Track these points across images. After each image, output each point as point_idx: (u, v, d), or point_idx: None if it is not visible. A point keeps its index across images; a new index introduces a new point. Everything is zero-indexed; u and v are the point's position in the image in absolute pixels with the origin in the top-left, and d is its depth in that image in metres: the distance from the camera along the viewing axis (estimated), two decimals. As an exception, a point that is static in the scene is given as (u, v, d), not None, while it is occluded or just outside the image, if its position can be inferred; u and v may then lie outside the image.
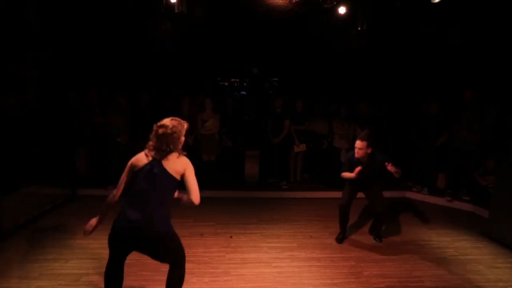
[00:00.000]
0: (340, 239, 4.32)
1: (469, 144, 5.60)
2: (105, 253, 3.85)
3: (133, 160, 2.50)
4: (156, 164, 2.42)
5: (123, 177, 2.53)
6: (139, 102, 6.20)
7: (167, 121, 2.50)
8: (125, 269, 3.50)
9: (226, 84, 11.15)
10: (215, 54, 8.37)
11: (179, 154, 2.51)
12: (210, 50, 8.09)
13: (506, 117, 5.56)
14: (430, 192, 6.12)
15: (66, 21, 6.18)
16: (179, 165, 2.47)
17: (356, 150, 4.01)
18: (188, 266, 3.60)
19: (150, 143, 2.47)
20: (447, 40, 6.52)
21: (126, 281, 3.31)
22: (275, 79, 10.86)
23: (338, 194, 5.94)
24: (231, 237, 4.39)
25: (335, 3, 5.58)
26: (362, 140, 3.98)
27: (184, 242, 4.15)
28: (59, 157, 5.75)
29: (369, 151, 3.99)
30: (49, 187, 5.43)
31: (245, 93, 10.81)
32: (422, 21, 6.37)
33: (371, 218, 5.18)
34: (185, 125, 2.58)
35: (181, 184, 2.50)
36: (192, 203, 2.41)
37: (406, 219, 5.19)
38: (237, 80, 11.27)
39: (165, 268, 3.57)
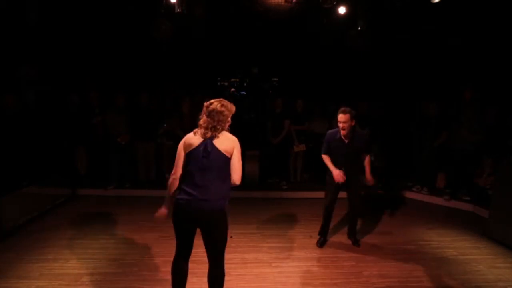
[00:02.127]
0: (322, 243, 4.20)
1: (469, 144, 5.60)
2: (105, 253, 3.89)
3: (185, 141, 2.56)
4: (208, 144, 2.47)
5: (178, 158, 2.59)
6: (139, 102, 6.21)
7: (216, 100, 2.55)
8: (125, 269, 3.54)
9: (226, 84, 11.14)
10: (215, 54, 8.36)
11: (225, 134, 2.56)
12: (210, 50, 8.08)
13: (507, 117, 5.54)
14: (430, 192, 6.12)
15: (66, 21, 6.17)
16: (228, 144, 2.52)
17: (340, 125, 3.80)
18: (188, 266, 3.62)
19: (200, 121, 2.52)
20: (447, 40, 6.52)
21: (126, 281, 3.33)
22: (275, 79, 10.86)
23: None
24: (231, 237, 4.37)
25: (335, 3, 5.58)
26: (344, 113, 3.77)
27: (184, 242, 4.19)
28: (59, 157, 5.76)
29: (353, 123, 3.82)
30: (49, 187, 5.44)
31: (245, 93, 10.81)
32: (422, 21, 6.36)
33: (368, 217, 5.19)
34: (234, 108, 2.61)
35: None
36: (233, 182, 2.53)
37: (406, 219, 5.19)
38: (237, 80, 11.27)
39: (165, 268, 3.58)
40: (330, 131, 4.06)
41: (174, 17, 5.67)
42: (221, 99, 2.59)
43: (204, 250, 3.98)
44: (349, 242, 4.31)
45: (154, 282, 3.33)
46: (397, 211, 5.53)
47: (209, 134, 2.48)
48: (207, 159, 2.46)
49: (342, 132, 3.83)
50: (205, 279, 3.37)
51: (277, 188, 6.28)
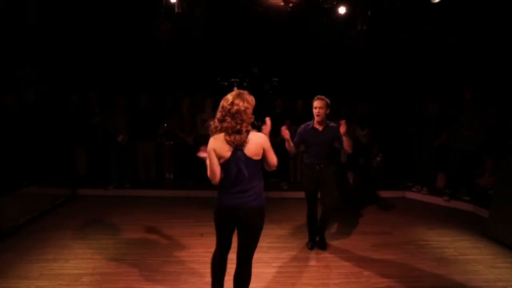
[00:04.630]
0: (312, 245, 4.12)
1: (469, 144, 5.60)
2: (105, 253, 3.89)
3: (215, 148, 2.46)
4: (240, 155, 2.45)
5: (213, 164, 2.47)
6: (139, 102, 6.21)
7: (236, 98, 2.45)
8: (125, 269, 3.54)
9: (226, 84, 11.14)
10: (215, 54, 8.36)
11: (251, 135, 2.47)
12: (210, 50, 8.08)
13: (507, 117, 5.54)
14: (430, 192, 6.12)
15: (66, 21, 6.17)
16: (258, 146, 2.49)
17: (316, 111, 3.78)
18: (188, 266, 3.63)
19: (225, 124, 2.42)
20: (447, 40, 6.52)
21: (126, 281, 3.33)
22: (275, 79, 10.85)
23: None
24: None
25: (335, 3, 5.58)
26: (320, 99, 3.79)
27: (184, 242, 4.21)
28: (59, 157, 5.76)
29: (327, 111, 3.81)
30: (49, 187, 5.44)
31: None
32: (422, 21, 6.36)
33: (368, 217, 5.19)
34: (254, 100, 2.56)
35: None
36: (273, 167, 2.59)
37: (406, 219, 5.19)
38: (237, 80, 11.26)
39: (164, 268, 3.58)
40: (304, 124, 4.02)
41: (174, 17, 5.66)
42: (239, 92, 2.50)
43: (204, 250, 4.00)
44: (350, 242, 4.31)
45: (154, 282, 3.33)
46: (397, 211, 5.53)
47: (237, 140, 2.41)
48: (240, 169, 2.47)
49: (317, 119, 3.83)
50: (206, 279, 3.38)
51: (277, 188, 6.29)
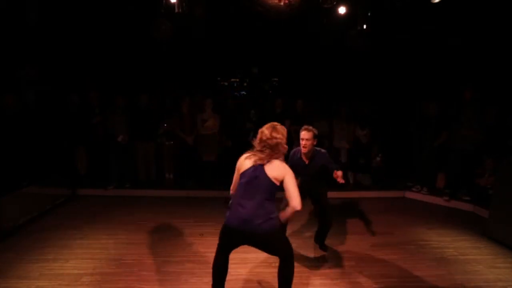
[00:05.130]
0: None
1: (469, 144, 5.60)
2: (105, 253, 3.89)
3: (240, 161, 2.70)
4: (259, 169, 2.58)
5: (235, 179, 2.75)
6: (139, 102, 6.21)
7: (272, 131, 2.63)
8: (125, 269, 3.54)
9: (226, 84, 11.15)
10: (215, 54, 8.36)
11: (281, 160, 2.65)
12: (210, 50, 8.08)
13: (507, 117, 5.54)
14: (430, 192, 6.12)
15: (66, 22, 6.17)
16: (279, 172, 2.59)
17: (303, 143, 3.68)
18: (188, 266, 3.63)
19: (264, 155, 2.59)
20: (447, 40, 6.52)
21: (126, 281, 3.33)
22: (275, 79, 10.86)
23: (338, 194, 5.97)
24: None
25: (335, 3, 5.58)
26: (308, 130, 3.69)
27: (184, 242, 4.20)
28: (59, 157, 5.76)
29: (315, 142, 3.75)
30: (49, 187, 5.44)
31: (245, 93, 10.81)
32: (422, 21, 6.36)
33: (368, 217, 5.19)
34: (285, 130, 2.76)
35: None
36: (293, 208, 2.54)
37: (406, 219, 5.19)
38: (237, 80, 11.27)
39: (164, 268, 3.58)
40: (293, 150, 3.92)
41: (174, 17, 5.66)
42: (273, 125, 2.67)
43: (204, 250, 4.00)
44: (350, 242, 4.32)
45: (154, 282, 3.33)
46: (397, 211, 5.53)
47: (261, 161, 2.59)
48: (254, 183, 2.56)
49: (303, 150, 3.71)
50: (206, 279, 3.38)
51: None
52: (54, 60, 6.24)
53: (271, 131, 2.62)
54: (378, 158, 6.38)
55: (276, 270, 3.58)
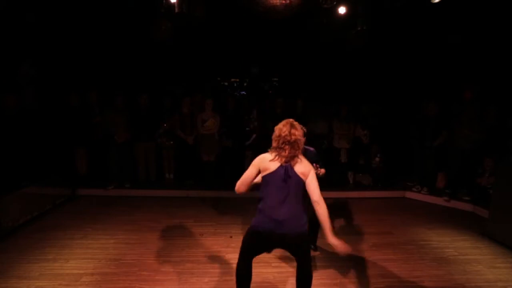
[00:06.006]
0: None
1: (469, 144, 5.60)
2: (105, 253, 3.89)
3: (261, 162, 2.61)
4: (288, 168, 2.55)
5: (249, 175, 2.64)
6: (139, 102, 6.21)
7: (291, 127, 2.60)
8: (125, 269, 3.54)
9: (226, 84, 11.14)
10: (215, 54, 8.36)
11: (301, 158, 2.63)
12: (210, 50, 8.08)
13: (507, 118, 5.54)
14: (430, 192, 6.12)
15: (66, 21, 6.17)
16: (305, 168, 2.59)
17: None
18: (188, 266, 3.63)
19: (284, 152, 2.55)
20: (447, 39, 6.52)
21: (126, 281, 3.33)
22: (275, 79, 10.85)
23: (338, 194, 5.99)
24: (231, 237, 4.40)
25: (335, 3, 5.57)
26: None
27: (184, 242, 4.20)
28: (59, 157, 5.76)
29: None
30: (49, 187, 5.43)
31: (245, 93, 10.80)
32: (422, 21, 6.36)
33: (368, 217, 5.18)
34: (302, 127, 2.81)
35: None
36: (316, 202, 2.54)
37: (406, 219, 5.19)
38: (237, 80, 11.25)
39: (164, 268, 3.58)
40: None
41: (174, 17, 5.66)
42: (290, 122, 2.65)
43: (204, 250, 4.01)
44: (350, 242, 4.25)
45: (154, 282, 3.33)
46: (397, 211, 5.53)
47: (287, 160, 2.55)
48: (287, 183, 2.52)
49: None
50: (206, 279, 3.39)
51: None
52: (54, 60, 6.24)
53: (290, 128, 2.59)
54: (377, 159, 6.39)
55: (276, 270, 3.61)
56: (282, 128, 2.61)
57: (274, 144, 2.61)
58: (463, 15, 6.03)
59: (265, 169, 2.57)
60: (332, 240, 2.53)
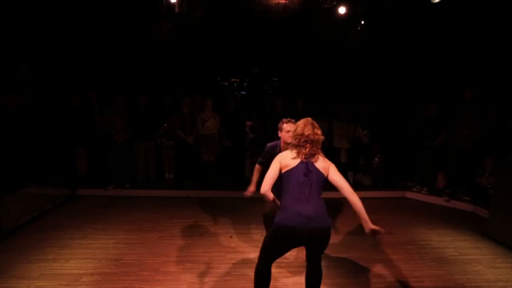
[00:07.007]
0: None
1: (469, 144, 5.60)
2: (105, 253, 3.89)
3: (282, 159, 2.66)
4: (310, 164, 2.60)
5: (273, 173, 2.64)
6: (139, 102, 6.21)
7: (314, 127, 2.67)
8: (125, 269, 3.54)
9: (226, 84, 11.15)
10: (215, 54, 8.36)
11: (321, 155, 2.69)
12: (210, 50, 8.08)
13: (507, 118, 5.54)
14: (430, 192, 6.12)
15: (66, 21, 6.17)
16: (325, 164, 2.65)
17: (289, 134, 3.39)
18: (188, 266, 3.63)
19: (305, 150, 2.61)
20: (447, 39, 6.52)
21: (126, 281, 3.33)
22: (275, 79, 10.85)
23: (338, 194, 5.96)
24: (231, 237, 4.40)
25: (335, 3, 5.57)
26: (292, 123, 3.51)
27: (184, 242, 4.20)
28: (59, 157, 5.76)
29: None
30: (49, 187, 5.43)
31: (245, 93, 10.80)
32: (422, 21, 6.36)
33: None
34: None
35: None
36: (350, 194, 2.58)
37: (406, 219, 5.19)
38: (237, 80, 11.26)
39: (164, 268, 3.58)
40: (269, 144, 3.79)
41: (174, 17, 5.66)
42: (310, 121, 2.71)
43: (204, 250, 4.01)
44: (350, 242, 4.31)
45: (154, 282, 3.32)
46: (397, 211, 5.53)
47: (307, 157, 2.61)
48: (309, 178, 2.55)
49: (289, 141, 3.35)
50: (206, 279, 3.38)
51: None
52: (54, 60, 6.24)
53: (313, 127, 2.66)
54: (377, 159, 6.39)
55: (276, 270, 3.59)
56: (303, 127, 2.66)
57: (294, 142, 2.66)
58: (463, 15, 6.03)
59: (286, 166, 2.61)
60: (373, 227, 2.56)
